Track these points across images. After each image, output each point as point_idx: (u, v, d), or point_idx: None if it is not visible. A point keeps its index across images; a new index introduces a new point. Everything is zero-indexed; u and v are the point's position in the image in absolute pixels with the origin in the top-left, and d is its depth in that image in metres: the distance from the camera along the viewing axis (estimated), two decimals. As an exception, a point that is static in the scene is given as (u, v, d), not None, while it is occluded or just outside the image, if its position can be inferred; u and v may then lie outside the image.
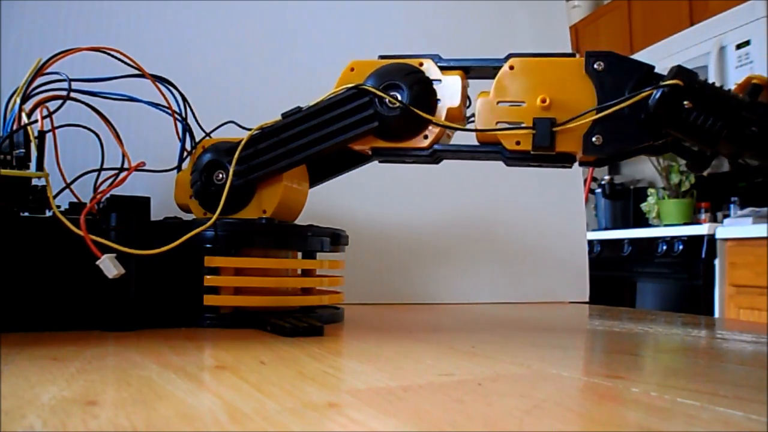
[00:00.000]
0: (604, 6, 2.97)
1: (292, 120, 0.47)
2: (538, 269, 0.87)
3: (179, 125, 0.47)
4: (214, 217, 0.43)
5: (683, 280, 2.07)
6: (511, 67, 0.44)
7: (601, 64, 0.42)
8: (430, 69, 0.46)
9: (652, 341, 0.48)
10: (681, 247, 2.06)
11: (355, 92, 0.46)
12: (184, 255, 0.44)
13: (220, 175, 0.46)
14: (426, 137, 0.45)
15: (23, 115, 0.41)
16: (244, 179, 0.47)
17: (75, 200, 0.46)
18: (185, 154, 0.48)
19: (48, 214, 0.42)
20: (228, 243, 0.45)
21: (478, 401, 0.24)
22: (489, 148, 0.45)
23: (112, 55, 0.43)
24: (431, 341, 0.42)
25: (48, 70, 0.42)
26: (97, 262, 0.38)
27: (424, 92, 0.45)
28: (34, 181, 0.41)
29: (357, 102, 0.45)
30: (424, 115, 0.44)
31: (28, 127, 0.40)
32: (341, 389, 0.26)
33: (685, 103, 0.38)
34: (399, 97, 0.44)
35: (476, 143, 0.46)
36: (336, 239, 0.51)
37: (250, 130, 0.47)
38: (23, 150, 0.40)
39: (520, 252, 0.86)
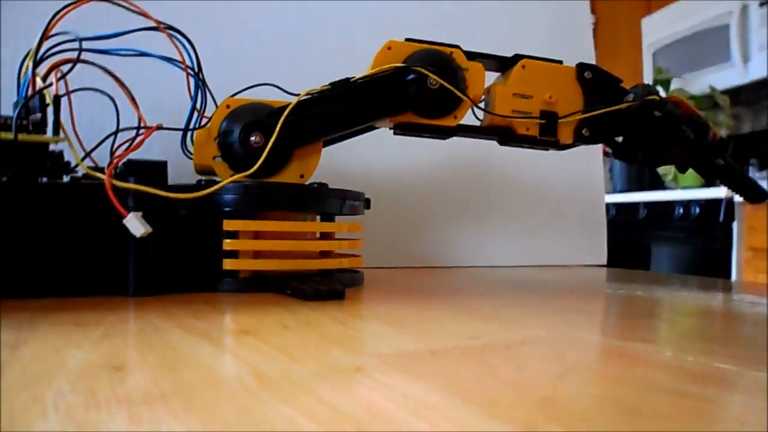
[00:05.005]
0: (622, -37, 2.88)
1: (341, 90, 0.47)
2: (556, 232, 0.87)
3: (192, 80, 0.45)
4: (246, 173, 0.43)
5: (699, 244, 2.05)
6: (523, 66, 0.52)
7: (590, 73, 0.52)
8: (459, 58, 0.49)
9: (678, 305, 0.47)
10: (698, 210, 2.03)
11: (404, 70, 0.47)
12: (202, 219, 0.44)
13: (257, 138, 0.45)
14: (455, 117, 0.50)
15: (38, 79, 0.40)
16: (286, 144, 0.46)
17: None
18: (196, 112, 0.47)
19: (65, 179, 0.42)
20: (247, 206, 0.44)
21: (507, 365, 0.24)
22: (495, 130, 0.52)
23: (120, 5, 0.42)
24: (452, 304, 0.41)
25: (59, 31, 0.41)
26: (124, 221, 0.37)
27: (458, 78, 0.49)
28: (51, 147, 0.41)
29: (405, 79, 0.48)
30: (466, 98, 0.49)
31: (45, 91, 0.40)
32: (367, 353, 0.26)
33: (656, 112, 0.50)
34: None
35: (477, 124, 0.53)
36: (356, 201, 0.51)
37: (291, 93, 0.46)
38: (39, 114, 0.39)
39: (538, 214, 0.85)
